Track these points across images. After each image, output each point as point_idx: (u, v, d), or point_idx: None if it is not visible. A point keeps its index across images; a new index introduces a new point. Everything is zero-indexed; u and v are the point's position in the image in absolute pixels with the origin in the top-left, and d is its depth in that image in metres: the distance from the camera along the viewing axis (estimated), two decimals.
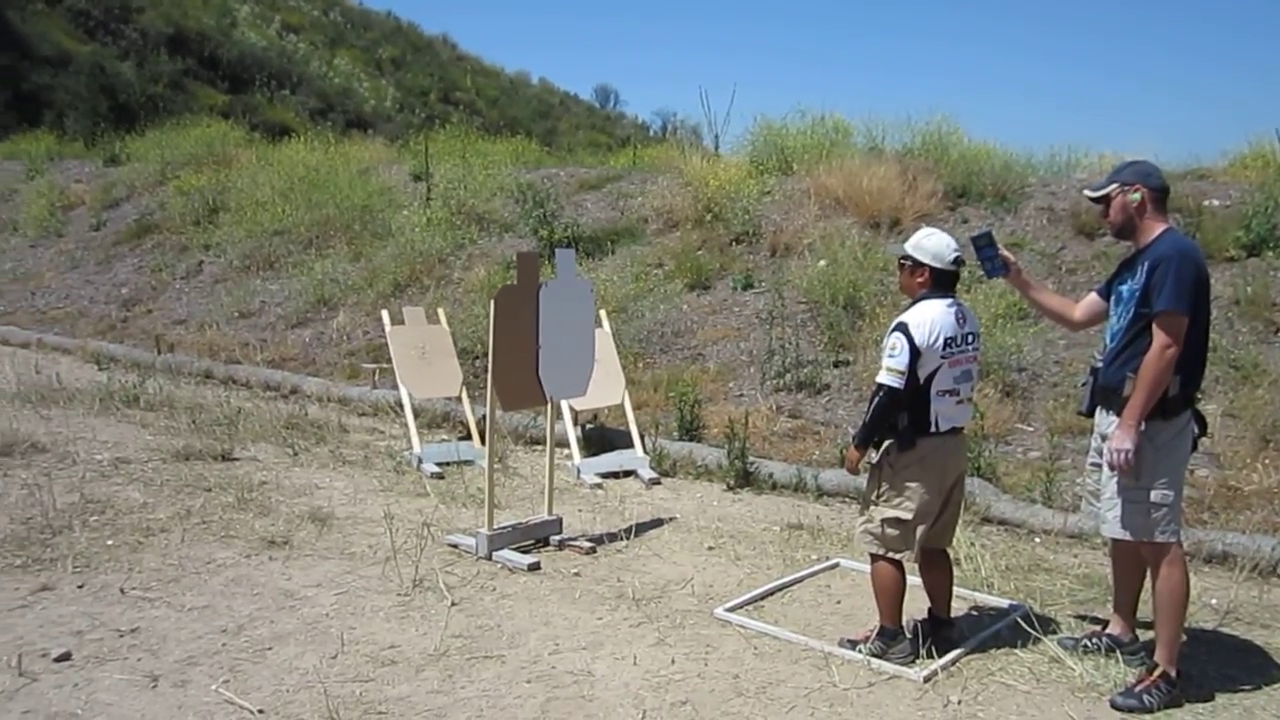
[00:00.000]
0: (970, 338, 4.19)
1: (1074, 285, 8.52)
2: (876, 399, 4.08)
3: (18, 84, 25.39)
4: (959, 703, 3.88)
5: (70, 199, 16.03)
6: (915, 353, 4.01)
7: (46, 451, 6.87)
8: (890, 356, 4.04)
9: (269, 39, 37.37)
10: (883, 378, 4.06)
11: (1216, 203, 8.98)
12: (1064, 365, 7.68)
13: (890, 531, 4.18)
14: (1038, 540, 5.90)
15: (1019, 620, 4.53)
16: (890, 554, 4.20)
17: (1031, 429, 7.19)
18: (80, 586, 4.68)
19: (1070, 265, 8.78)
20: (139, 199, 15.32)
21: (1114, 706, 3.84)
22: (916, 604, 4.48)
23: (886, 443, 4.18)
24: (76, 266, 14.10)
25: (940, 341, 4.04)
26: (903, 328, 4.05)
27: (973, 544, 5.55)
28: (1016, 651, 4.32)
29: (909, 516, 4.14)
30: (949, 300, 4.16)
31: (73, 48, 28.25)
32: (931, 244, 4.18)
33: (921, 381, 4.05)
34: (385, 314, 7.99)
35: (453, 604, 4.69)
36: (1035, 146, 20.84)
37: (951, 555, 4.57)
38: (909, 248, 4.22)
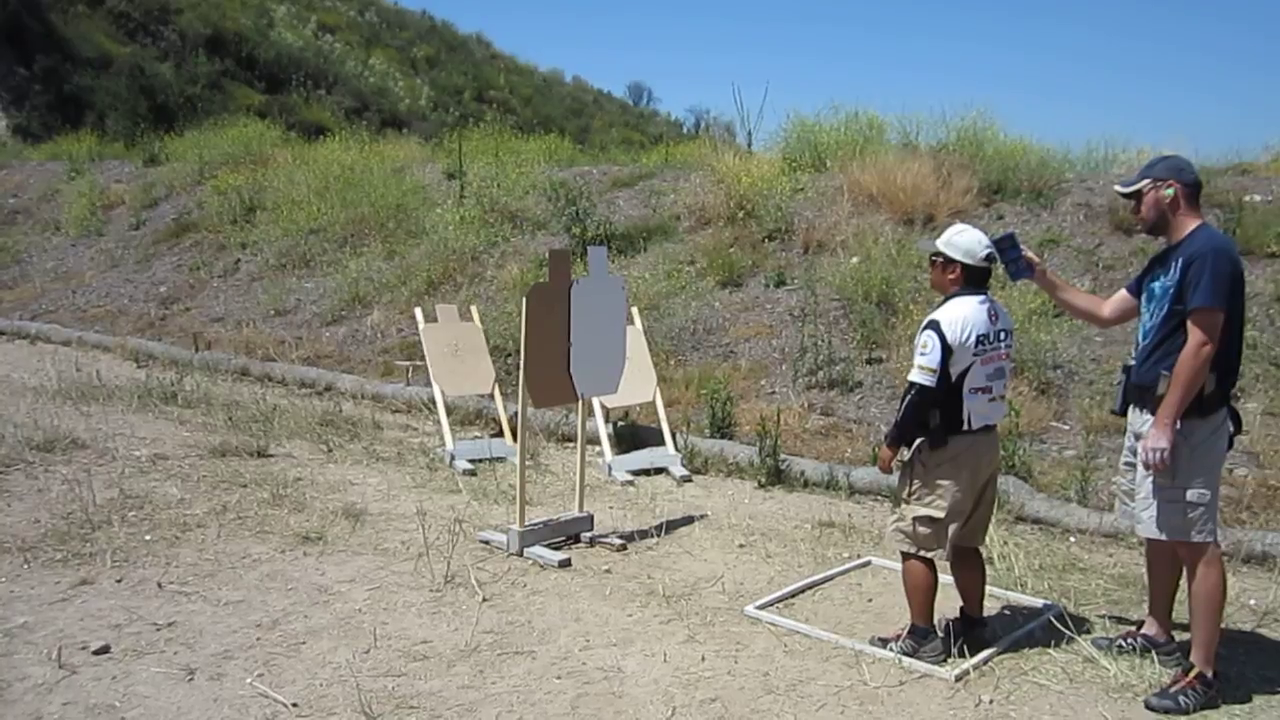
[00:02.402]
0: (1003, 334, 4.16)
1: (1111, 282, 8.42)
2: (909, 397, 4.06)
3: (60, 86, 25.75)
4: (991, 702, 3.85)
5: (110, 199, 16.24)
6: (947, 350, 3.98)
7: (86, 448, 6.97)
8: (922, 354, 4.02)
9: (305, 39, 37.63)
10: (915, 376, 4.04)
11: (1259, 198, 8.84)
12: (1100, 363, 7.60)
13: (922, 530, 4.16)
14: (1072, 539, 5.85)
15: (1053, 620, 4.49)
16: (922, 552, 4.18)
17: (1067, 427, 7.11)
18: (119, 581, 4.76)
19: (1108, 262, 8.67)
20: (177, 198, 15.51)
21: (1148, 707, 3.80)
22: (950, 603, 4.45)
23: (918, 441, 4.16)
24: (116, 265, 14.30)
25: (972, 339, 4.01)
26: (934, 325, 4.03)
27: (1006, 543, 5.51)
28: (1050, 651, 4.28)
29: (941, 515, 4.11)
30: (981, 297, 4.13)
31: (113, 49, 28.60)
32: (963, 240, 4.15)
33: (954, 379, 4.03)
34: (419, 312, 8.04)
35: (484, 600, 4.72)
36: (1072, 142, 20.59)
37: (984, 554, 4.54)
38: (940, 244, 4.20)
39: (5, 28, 25.59)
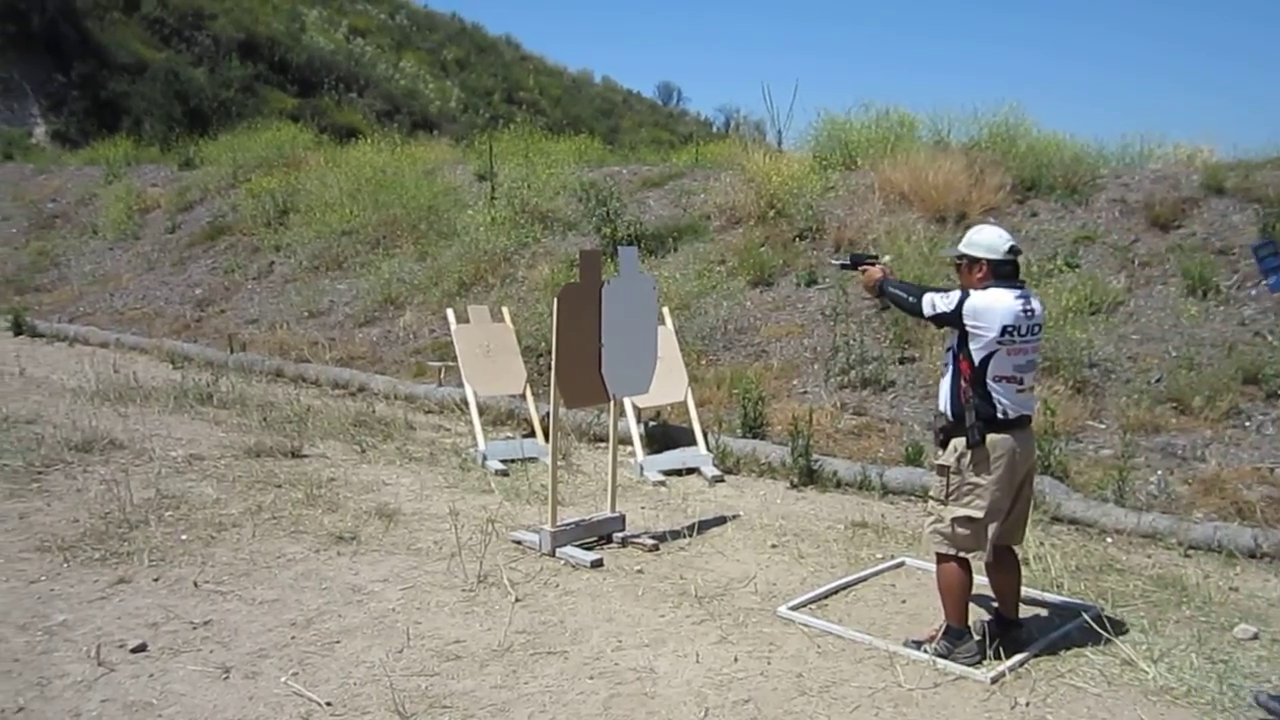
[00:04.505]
0: (1036, 329, 4.14)
1: (1148, 279, 8.33)
2: (910, 299, 4.25)
3: (97, 91, 26.09)
4: (1027, 705, 3.81)
5: (146, 202, 16.43)
6: (959, 312, 4.05)
7: (124, 448, 7.05)
8: (943, 297, 4.13)
9: (337, 43, 37.90)
10: (926, 299, 4.17)
11: None
12: (1137, 360, 7.50)
13: (961, 531, 4.12)
14: (1109, 540, 5.78)
15: (1090, 622, 4.44)
16: (962, 553, 4.15)
17: (1103, 426, 7.03)
18: (156, 580, 4.81)
19: (1144, 258, 8.56)
20: (212, 201, 15.67)
21: (1256, 700, 3.73)
22: (984, 604, 4.41)
23: (955, 440, 4.13)
24: (152, 268, 14.47)
25: (997, 328, 4.00)
26: (964, 293, 4.11)
27: (1042, 543, 5.45)
28: (1087, 653, 4.23)
29: (980, 514, 4.08)
30: (1018, 291, 4.11)
31: (148, 55, 28.92)
32: (982, 237, 4.19)
33: (977, 363, 4.02)
34: (451, 312, 8.06)
35: (516, 600, 4.73)
36: (1106, 138, 20.28)
37: (1020, 555, 4.50)
38: (962, 247, 4.26)
39: (43, 36, 25.98)
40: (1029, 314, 4.08)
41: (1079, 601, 4.78)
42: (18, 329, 12.70)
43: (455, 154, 16.13)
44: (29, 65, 25.86)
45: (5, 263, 16.07)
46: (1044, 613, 4.70)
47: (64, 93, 26.04)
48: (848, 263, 4.78)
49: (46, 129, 25.19)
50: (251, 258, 13.69)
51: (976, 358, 4.04)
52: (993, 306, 4.03)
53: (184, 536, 5.40)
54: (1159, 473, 6.39)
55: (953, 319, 4.08)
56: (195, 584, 4.77)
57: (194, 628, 4.30)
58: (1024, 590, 4.48)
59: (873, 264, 4.59)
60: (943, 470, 4.19)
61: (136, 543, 5.25)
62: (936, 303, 4.14)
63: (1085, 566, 5.30)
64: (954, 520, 4.12)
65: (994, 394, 4.05)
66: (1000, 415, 4.05)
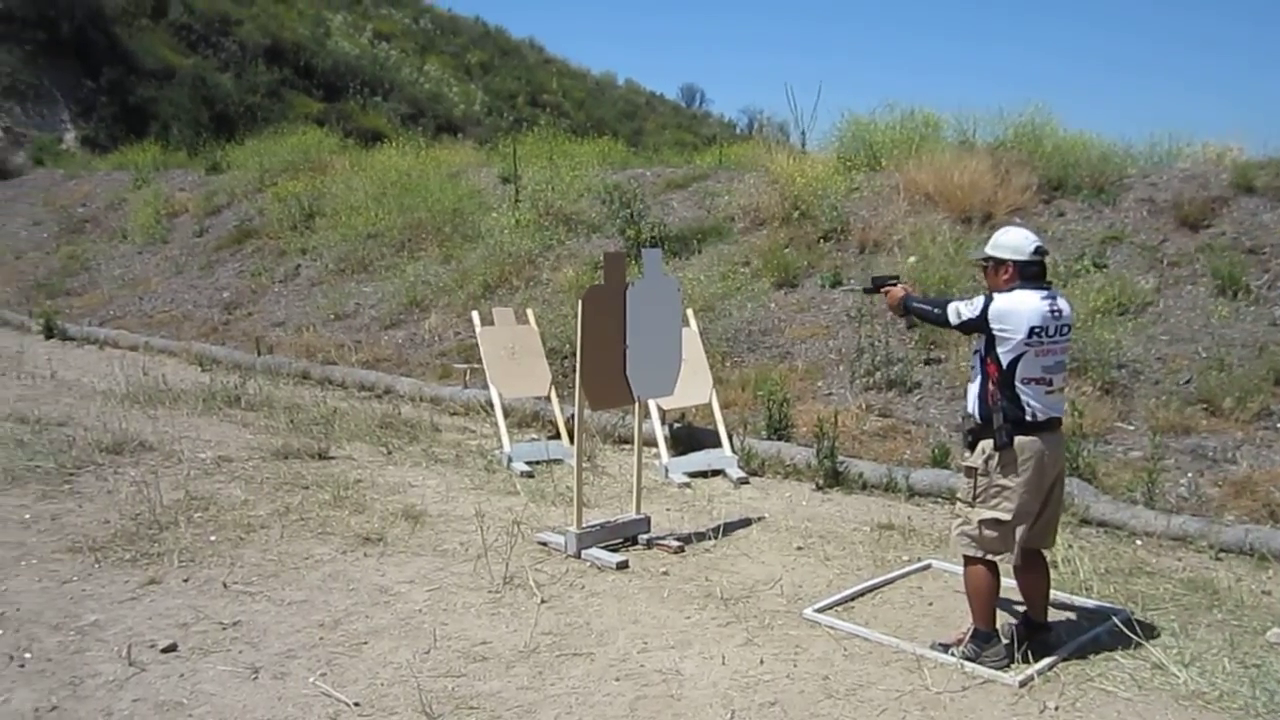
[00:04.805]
0: (1065, 329, 4.11)
1: (1176, 279, 8.25)
2: (935, 310, 4.27)
3: (125, 97, 26.29)
4: (1056, 709, 3.78)
5: (175, 207, 16.58)
6: (985, 317, 4.04)
7: (154, 450, 7.11)
8: (968, 304, 4.12)
9: (361, 47, 38.03)
10: (950, 308, 4.17)
11: None
12: (1166, 362, 7.43)
13: (989, 533, 4.10)
14: (1139, 543, 5.73)
15: (1119, 625, 4.40)
16: (989, 556, 4.13)
17: (1132, 428, 6.97)
18: (185, 580, 4.85)
19: (1173, 258, 8.49)
20: (239, 206, 15.79)
21: None
22: (1012, 607, 4.38)
23: (983, 442, 4.11)
24: (181, 272, 14.60)
25: (1024, 330, 3.99)
26: (989, 297, 4.10)
27: (1071, 546, 5.42)
28: (1117, 657, 4.19)
29: (1008, 517, 4.06)
30: (1044, 292, 4.09)
31: (176, 61, 29.10)
32: (1008, 239, 4.19)
33: (1005, 366, 4.00)
34: (475, 315, 8.09)
35: (542, 601, 4.74)
36: (1134, 137, 20.07)
37: (1049, 557, 4.47)
38: (988, 249, 4.26)
39: (72, 42, 26.21)
40: (1056, 314, 4.05)
41: (1108, 605, 4.74)
42: (49, 332, 12.85)
43: (479, 157, 16.19)
44: (58, 72, 26.11)
45: (37, 267, 16.27)
46: (1073, 616, 4.67)
47: (93, 99, 26.26)
48: (869, 286, 4.76)
49: (76, 134, 25.42)
50: (278, 261, 13.79)
51: (1004, 360, 4.02)
52: (1018, 309, 4.01)
53: (213, 538, 5.45)
54: (1189, 475, 6.33)
55: (979, 324, 4.06)
56: (224, 585, 4.81)
57: (223, 628, 4.33)
58: (1053, 593, 4.45)
59: (894, 284, 4.55)
60: (970, 472, 4.17)
61: (166, 544, 5.29)
62: (961, 310, 4.12)
63: (1114, 569, 5.26)
64: (981, 523, 4.10)
65: (1023, 396, 4.03)
66: (1029, 418, 4.03)
